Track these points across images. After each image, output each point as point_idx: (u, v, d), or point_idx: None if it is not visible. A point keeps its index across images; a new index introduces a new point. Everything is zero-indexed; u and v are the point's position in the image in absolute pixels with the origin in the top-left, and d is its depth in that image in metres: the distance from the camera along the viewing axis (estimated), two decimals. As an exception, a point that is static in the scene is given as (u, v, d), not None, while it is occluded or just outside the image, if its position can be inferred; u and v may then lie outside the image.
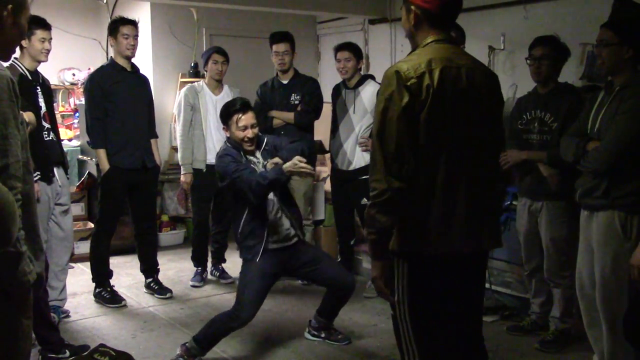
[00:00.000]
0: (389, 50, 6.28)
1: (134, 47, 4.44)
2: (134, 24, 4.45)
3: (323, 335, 3.90)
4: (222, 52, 4.95)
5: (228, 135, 3.65)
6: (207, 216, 5.08)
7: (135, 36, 4.43)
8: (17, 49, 3.87)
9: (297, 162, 3.40)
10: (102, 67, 4.59)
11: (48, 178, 3.89)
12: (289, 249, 3.66)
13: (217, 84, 4.99)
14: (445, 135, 2.18)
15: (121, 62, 4.45)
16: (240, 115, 3.56)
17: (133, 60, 4.56)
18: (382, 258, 2.25)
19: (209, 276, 5.18)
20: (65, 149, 4.37)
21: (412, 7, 2.27)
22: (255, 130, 3.61)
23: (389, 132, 2.13)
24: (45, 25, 3.94)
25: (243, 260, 3.65)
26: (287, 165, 3.41)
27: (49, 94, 4.13)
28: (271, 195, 3.58)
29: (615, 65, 3.01)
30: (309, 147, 5.01)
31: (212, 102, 4.94)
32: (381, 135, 2.16)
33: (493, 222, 2.37)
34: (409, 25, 2.32)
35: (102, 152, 4.38)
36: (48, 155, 3.89)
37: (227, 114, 3.62)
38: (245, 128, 3.56)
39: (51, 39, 4.00)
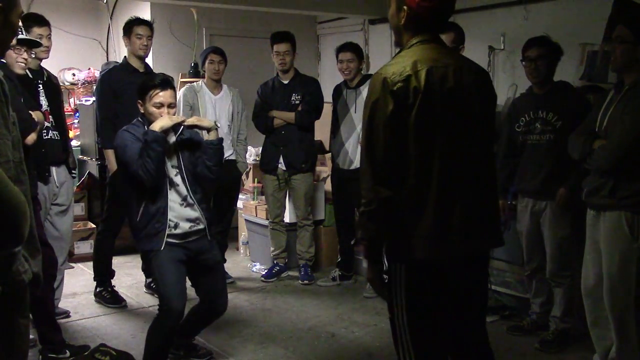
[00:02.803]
0: (389, 50, 6.27)
1: (147, 48, 4.48)
2: (148, 24, 4.48)
3: (182, 353, 3.57)
4: (219, 52, 4.95)
5: (143, 112, 3.29)
6: None
7: (149, 37, 4.46)
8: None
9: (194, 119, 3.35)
10: (114, 67, 4.61)
11: (44, 177, 3.86)
12: (193, 244, 3.29)
13: (216, 84, 4.99)
14: (436, 137, 2.14)
15: (134, 62, 4.47)
16: (157, 91, 3.23)
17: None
18: (375, 261, 2.25)
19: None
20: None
21: (404, 8, 2.22)
22: (173, 111, 3.28)
23: (376, 139, 2.11)
24: (41, 22, 3.93)
25: (145, 255, 3.39)
26: (190, 120, 3.35)
27: (55, 91, 4.11)
28: (180, 183, 3.27)
29: (627, 63, 3.01)
30: (312, 148, 5.03)
31: (211, 102, 4.95)
32: (369, 143, 2.14)
33: (492, 221, 2.33)
34: (398, 22, 2.27)
35: (111, 153, 4.37)
36: (45, 154, 3.85)
37: (144, 88, 3.28)
38: (160, 106, 3.22)
39: (49, 35, 3.99)
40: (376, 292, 2.34)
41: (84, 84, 6.38)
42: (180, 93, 5.05)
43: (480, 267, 2.38)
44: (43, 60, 4.08)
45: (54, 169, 3.99)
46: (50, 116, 3.95)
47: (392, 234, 2.19)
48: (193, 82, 5.30)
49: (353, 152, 4.79)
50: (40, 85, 3.95)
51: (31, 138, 3.32)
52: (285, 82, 5.03)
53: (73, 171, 4.27)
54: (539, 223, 3.79)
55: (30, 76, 3.89)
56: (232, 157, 5.00)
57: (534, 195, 3.79)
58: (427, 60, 2.16)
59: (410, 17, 2.22)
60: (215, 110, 4.94)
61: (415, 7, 2.19)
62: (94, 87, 5.37)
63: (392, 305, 2.27)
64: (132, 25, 4.43)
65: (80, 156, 6.06)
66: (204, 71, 5.03)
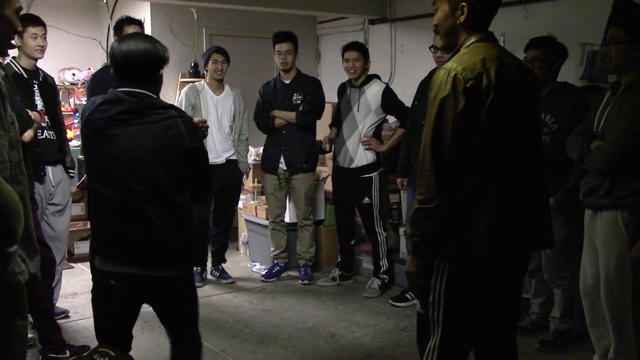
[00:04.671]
0: (389, 50, 6.28)
1: None
2: (139, 24, 4.44)
3: None
4: (222, 52, 4.95)
5: None
6: (208, 216, 5.08)
7: None
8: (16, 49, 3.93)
9: None
10: (106, 66, 4.58)
11: (39, 177, 3.83)
12: None
13: (218, 84, 4.99)
14: (502, 137, 2.12)
15: None
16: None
17: None
18: (422, 258, 2.23)
19: (209, 276, 5.19)
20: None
21: (463, 5, 2.15)
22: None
23: (443, 137, 2.06)
24: (35, 22, 3.92)
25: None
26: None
27: (51, 91, 4.10)
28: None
29: (623, 63, 3.02)
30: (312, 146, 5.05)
31: (213, 102, 4.94)
32: (435, 140, 2.08)
33: (544, 222, 2.30)
34: (455, 22, 2.19)
35: None
36: (40, 154, 3.82)
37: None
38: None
39: (45, 34, 3.96)
40: (410, 285, 2.31)
41: (84, 84, 6.37)
42: (182, 92, 5.06)
43: (520, 270, 2.37)
44: (43, 61, 4.08)
45: (49, 169, 3.99)
46: (45, 116, 3.94)
47: (445, 233, 2.13)
48: (193, 82, 5.30)
49: (354, 151, 4.79)
50: (36, 85, 3.95)
51: (28, 135, 3.32)
52: (287, 81, 5.03)
53: (71, 171, 4.25)
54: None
55: (25, 76, 3.89)
56: (234, 158, 5.00)
57: None
58: (494, 58, 2.13)
59: (470, 13, 2.16)
60: (217, 110, 4.94)
61: (474, 1, 2.15)
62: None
63: (427, 302, 2.25)
64: (122, 25, 4.38)
65: (80, 156, 6.06)
66: (206, 71, 5.02)
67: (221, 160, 4.94)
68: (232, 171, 4.99)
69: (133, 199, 2.41)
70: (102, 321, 2.68)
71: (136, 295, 2.61)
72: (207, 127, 2.75)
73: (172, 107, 2.53)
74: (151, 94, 2.48)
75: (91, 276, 2.88)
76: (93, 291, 2.69)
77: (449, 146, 2.06)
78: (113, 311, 2.62)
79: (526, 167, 2.21)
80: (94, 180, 2.53)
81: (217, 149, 4.93)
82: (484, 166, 2.11)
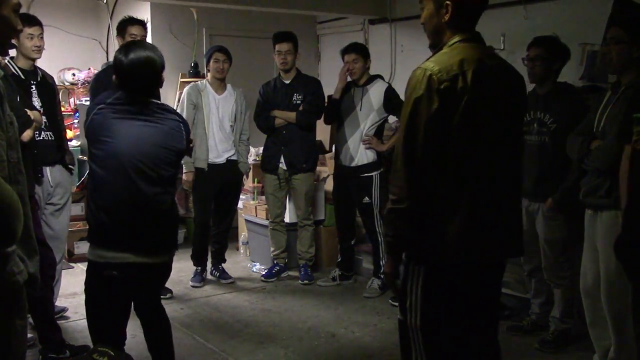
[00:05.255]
0: (389, 50, 6.28)
1: None
2: (142, 24, 4.46)
3: None
4: (224, 51, 4.95)
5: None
6: (209, 216, 5.08)
7: (143, 37, 4.43)
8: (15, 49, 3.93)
9: None
10: (109, 66, 4.58)
11: (37, 178, 3.81)
12: None
13: (220, 83, 4.99)
14: (477, 140, 2.09)
15: None
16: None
17: None
18: (396, 256, 2.23)
19: (209, 276, 5.19)
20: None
21: (447, 2, 2.12)
22: None
23: (415, 137, 2.04)
24: (31, 22, 3.90)
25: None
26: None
27: (50, 91, 4.08)
28: None
29: (623, 63, 3.02)
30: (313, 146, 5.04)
31: (215, 102, 4.94)
32: (407, 140, 2.06)
33: (517, 229, 2.29)
34: (440, 21, 2.17)
35: None
36: (37, 155, 3.79)
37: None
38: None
39: (41, 34, 3.95)
40: (389, 285, 2.31)
41: (83, 84, 6.37)
42: (184, 92, 5.05)
43: (497, 275, 2.35)
44: (43, 61, 4.08)
45: (47, 169, 3.98)
46: (43, 117, 3.94)
47: (418, 234, 2.12)
48: (193, 82, 5.29)
49: (355, 150, 4.79)
50: (34, 86, 3.94)
51: (27, 135, 3.32)
52: (287, 81, 5.03)
53: (71, 166, 4.21)
54: (534, 223, 3.79)
55: (23, 77, 3.88)
56: (234, 158, 5.00)
57: (528, 195, 3.79)
58: (473, 60, 2.09)
59: (454, 12, 2.13)
60: (218, 110, 4.94)
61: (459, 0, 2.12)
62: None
63: (405, 308, 2.22)
64: (125, 25, 4.40)
65: (80, 156, 6.05)
66: (208, 70, 5.02)
67: (221, 160, 4.94)
68: (232, 171, 4.99)
69: (135, 188, 2.68)
70: (97, 318, 2.85)
71: (131, 285, 2.79)
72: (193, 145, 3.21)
73: (175, 112, 2.88)
74: (156, 101, 2.79)
75: (86, 273, 2.91)
76: (88, 286, 2.78)
77: (422, 147, 2.04)
78: (108, 305, 2.80)
79: (503, 172, 2.18)
80: (99, 169, 2.73)
81: (218, 149, 4.93)
82: (458, 169, 2.08)
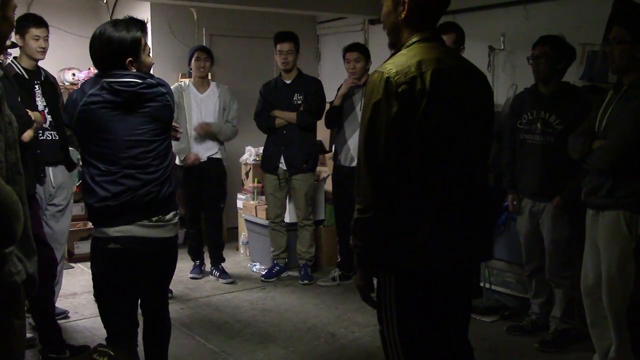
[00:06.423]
0: (389, 51, 6.27)
1: None
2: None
3: None
4: (205, 50, 5.03)
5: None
6: (198, 212, 5.11)
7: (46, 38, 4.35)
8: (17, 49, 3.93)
9: None
10: None
11: (39, 178, 3.81)
12: None
13: (202, 82, 5.02)
14: (440, 143, 2.02)
15: None
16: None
17: None
18: (367, 268, 2.15)
19: (209, 276, 5.19)
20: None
21: (404, 0, 2.07)
22: None
23: (376, 143, 1.97)
24: (38, 23, 3.90)
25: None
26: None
27: (53, 91, 4.08)
28: None
29: (625, 63, 3.02)
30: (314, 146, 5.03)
31: (197, 101, 4.98)
32: (368, 146, 1.99)
33: (485, 234, 2.25)
34: (397, 18, 2.11)
35: None
36: (40, 155, 3.81)
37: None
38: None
39: (47, 36, 3.96)
40: (364, 299, 2.23)
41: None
42: None
43: (467, 279, 2.32)
44: (43, 60, 4.07)
45: (50, 170, 3.98)
46: (47, 116, 3.94)
47: (387, 243, 2.06)
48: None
49: (355, 150, 4.79)
50: (37, 86, 3.94)
51: (27, 135, 3.31)
52: (288, 82, 5.03)
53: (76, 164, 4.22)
54: (538, 223, 3.79)
55: (26, 77, 3.88)
56: (218, 156, 5.01)
57: (532, 195, 3.79)
58: (432, 61, 2.02)
59: (411, 10, 2.08)
60: (200, 109, 4.96)
61: None
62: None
63: (381, 318, 2.17)
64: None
65: (80, 156, 6.06)
66: (190, 69, 5.05)
67: (203, 158, 4.95)
68: (215, 169, 5.00)
69: (135, 159, 2.67)
70: (106, 299, 2.81)
71: (137, 262, 2.73)
72: (181, 132, 3.13)
73: (160, 82, 2.74)
74: (140, 78, 2.64)
75: (90, 252, 2.83)
76: (95, 264, 2.76)
77: (384, 153, 1.97)
78: (116, 285, 2.76)
79: (470, 176, 2.11)
80: (96, 163, 2.75)
81: (200, 147, 4.94)
82: (423, 174, 2.02)
